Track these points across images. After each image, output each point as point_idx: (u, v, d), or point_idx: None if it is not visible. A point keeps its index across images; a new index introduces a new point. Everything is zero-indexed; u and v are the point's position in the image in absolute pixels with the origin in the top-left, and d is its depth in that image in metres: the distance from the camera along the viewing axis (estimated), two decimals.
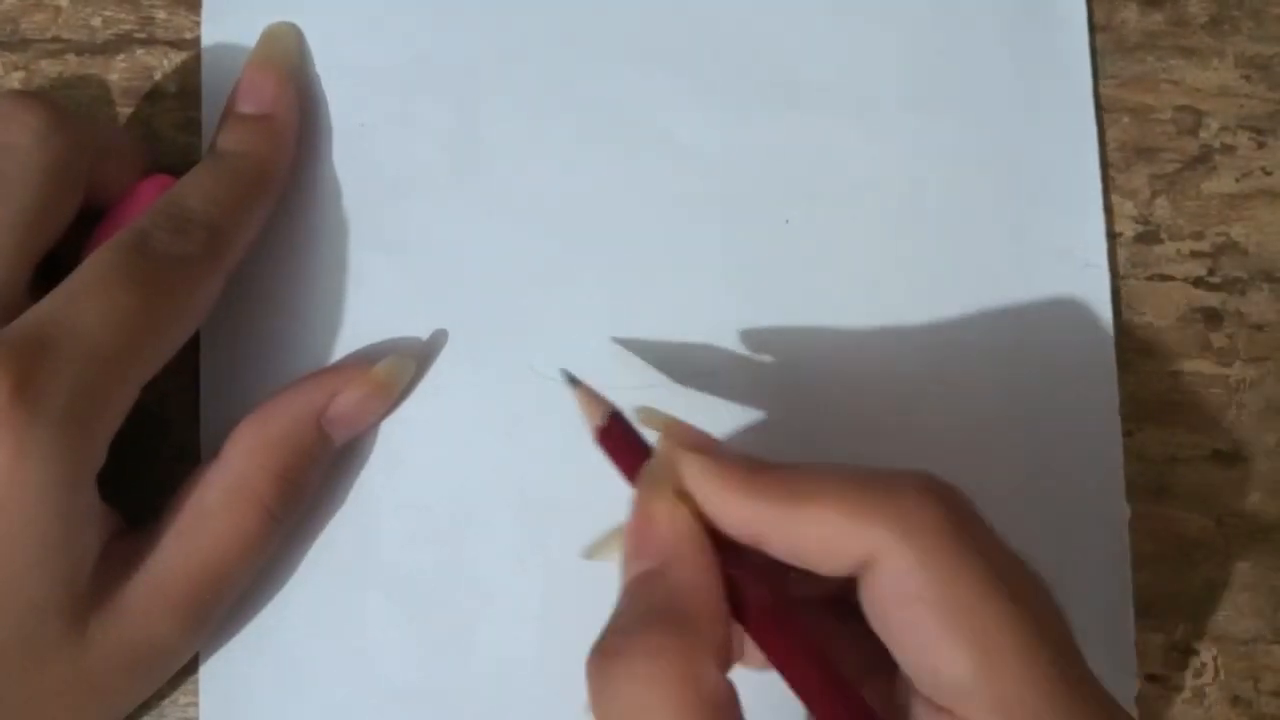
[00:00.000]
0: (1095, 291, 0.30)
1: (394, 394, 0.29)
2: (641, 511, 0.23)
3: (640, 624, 0.21)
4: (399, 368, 0.29)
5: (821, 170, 0.31)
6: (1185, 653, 0.30)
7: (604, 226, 0.31)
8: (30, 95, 0.27)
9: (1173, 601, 0.30)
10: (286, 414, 0.28)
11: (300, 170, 0.31)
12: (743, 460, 0.23)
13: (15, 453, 0.23)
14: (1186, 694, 0.30)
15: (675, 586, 0.22)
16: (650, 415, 0.25)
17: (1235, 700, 0.30)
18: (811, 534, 0.22)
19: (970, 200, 0.31)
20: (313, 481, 0.29)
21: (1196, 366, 0.31)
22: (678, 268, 0.30)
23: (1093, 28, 0.32)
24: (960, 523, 0.21)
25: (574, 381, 0.26)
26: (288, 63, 0.30)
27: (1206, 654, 0.30)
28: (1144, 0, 0.32)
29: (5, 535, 0.23)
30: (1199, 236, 0.31)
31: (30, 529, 0.23)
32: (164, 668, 0.27)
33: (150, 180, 0.29)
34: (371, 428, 0.30)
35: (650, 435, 0.25)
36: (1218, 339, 0.31)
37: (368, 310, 0.30)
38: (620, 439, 0.25)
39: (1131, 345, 0.31)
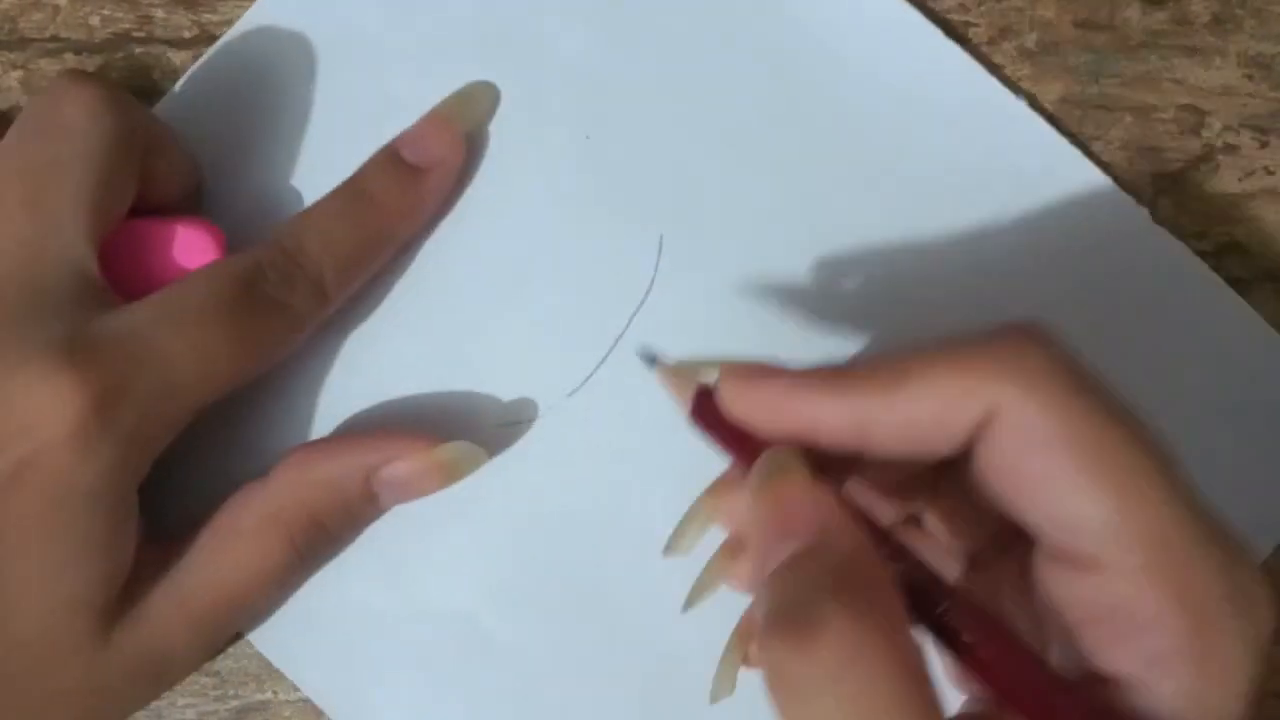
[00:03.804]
0: None
1: (453, 480, 0.28)
2: (772, 497, 0.21)
3: (826, 594, 0.19)
4: (467, 457, 0.28)
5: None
6: None
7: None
8: (84, 74, 0.27)
9: None
10: (337, 458, 0.27)
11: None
12: (824, 368, 0.22)
13: (80, 460, 0.23)
14: None
15: (848, 556, 0.20)
16: (686, 369, 0.24)
17: None
18: (923, 409, 0.21)
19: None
20: (345, 535, 0.29)
21: None
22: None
23: (1096, 27, 0.31)
24: (1075, 365, 0.20)
25: (652, 360, 0.25)
26: (469, 125, 0.30)
27: None
28: None
29: (52, 533, 0.24)
30: (1202, 236, 0.31)
31: (77, 530, 0.24)
32: (172, 677, 0.27)
33: (194, 228, 0.28)
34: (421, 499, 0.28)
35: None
36: None
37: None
38: (714, 414, 0.23)
39: None
